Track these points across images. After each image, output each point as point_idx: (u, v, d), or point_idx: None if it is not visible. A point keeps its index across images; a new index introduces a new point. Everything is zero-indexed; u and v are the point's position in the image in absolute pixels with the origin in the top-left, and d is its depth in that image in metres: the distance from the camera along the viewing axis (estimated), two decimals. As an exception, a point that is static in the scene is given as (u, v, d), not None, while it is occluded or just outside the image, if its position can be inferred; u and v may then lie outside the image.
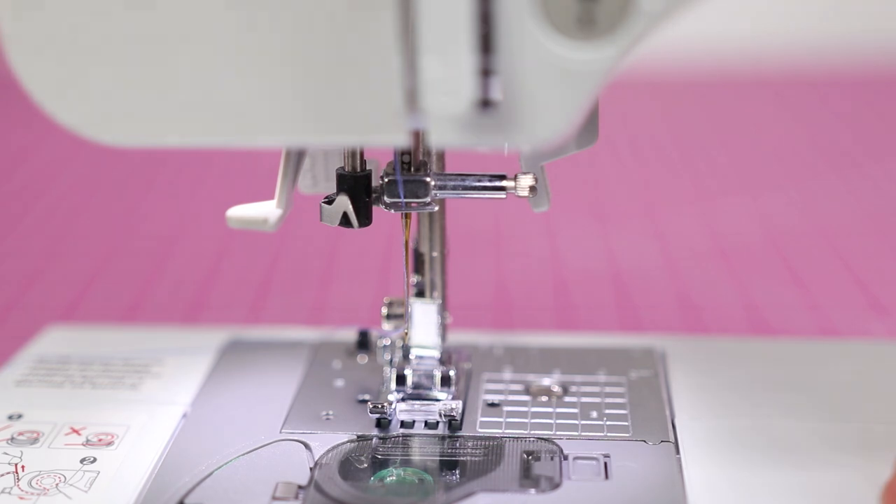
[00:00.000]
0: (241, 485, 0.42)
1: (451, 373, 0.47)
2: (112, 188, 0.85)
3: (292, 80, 0.36)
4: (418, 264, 0.47)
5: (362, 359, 0.52)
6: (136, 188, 0.84)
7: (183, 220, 0.79)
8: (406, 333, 0.47)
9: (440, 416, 0.46)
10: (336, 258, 0.71)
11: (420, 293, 0.47)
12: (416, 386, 0.47)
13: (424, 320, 0.47)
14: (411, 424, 0.46)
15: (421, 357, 0.47)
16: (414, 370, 0.47)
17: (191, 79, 0.37)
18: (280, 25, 0.36)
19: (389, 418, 0.46)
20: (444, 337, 0.48)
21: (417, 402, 0.46)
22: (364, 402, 0.48)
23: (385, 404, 0.45)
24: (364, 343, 0.51)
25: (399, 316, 0.48)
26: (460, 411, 0.46)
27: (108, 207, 0.81)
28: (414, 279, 0.47)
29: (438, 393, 0.46)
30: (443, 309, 0.47)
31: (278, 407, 0.48)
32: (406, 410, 0.46)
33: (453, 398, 0.46)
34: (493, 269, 0.70)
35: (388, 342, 0.48)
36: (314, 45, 0.36)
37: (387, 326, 0.48)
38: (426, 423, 0.46)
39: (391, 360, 0.48)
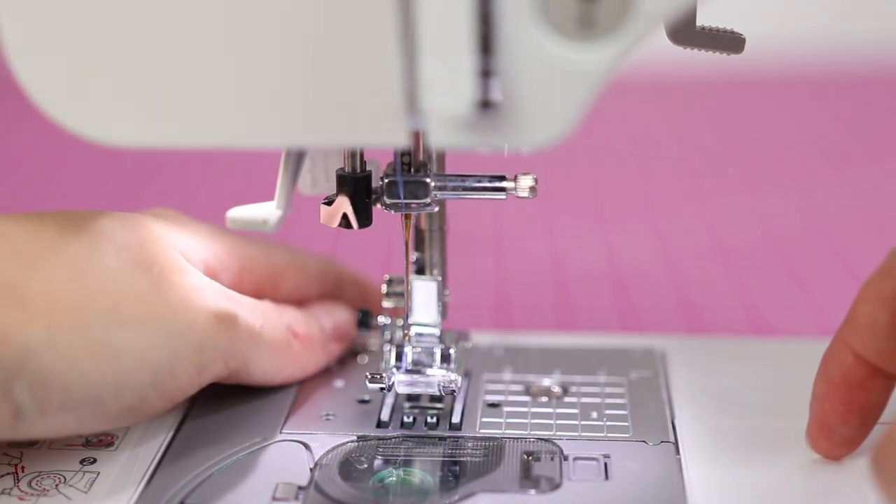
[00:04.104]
0: (241, 485, 0.42)
1: (452, 350, 0.47)
2: (112, 188, 0.85)
3: (292, 81, 0.36)
4: (419, 241, 0.47)
5: (362, 359, 0.52)
6: (136, 188, 0.84)
7: (183, 221, 0.79)
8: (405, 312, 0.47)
9: (439, 388, 0.46)
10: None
11: (420, 270, 0.47)
12: (415, 363, 0.47)
13: (425, 298, 0.47)
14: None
15: (421, 335, 0.47)
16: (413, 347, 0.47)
17: (191, 79, 0.37)
18: (280, 26, 0.36)
19: (389, 385, 0.46)
20: (444, 314, 0.48)
21: (417, 374, 0.46)
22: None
23: (384, 374, 0.45)
24: (364, 322, 0.51)
25: (399, 294, 0.48)
26: (459, 384, 0.46)
27: (108, 207, 0.81)
28: (414, 256, 0.47)
29: (437, 369, 0.46)
30: (443, 287, 0.47)
31: (278, 407, 0.48)
32: (405, 382, 0.46)
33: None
34: (493, 269, 0.70)
35: (388, 321, 0.48)
36: (314, 46, 0.36)
37: (387, 304, 0.48)
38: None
39: (391, 339, 0.48)
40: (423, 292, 0.47)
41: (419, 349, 0.47)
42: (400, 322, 0.48)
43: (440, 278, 0.47)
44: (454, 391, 0.46)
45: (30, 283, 0.39)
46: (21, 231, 0.41)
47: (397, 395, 0.48)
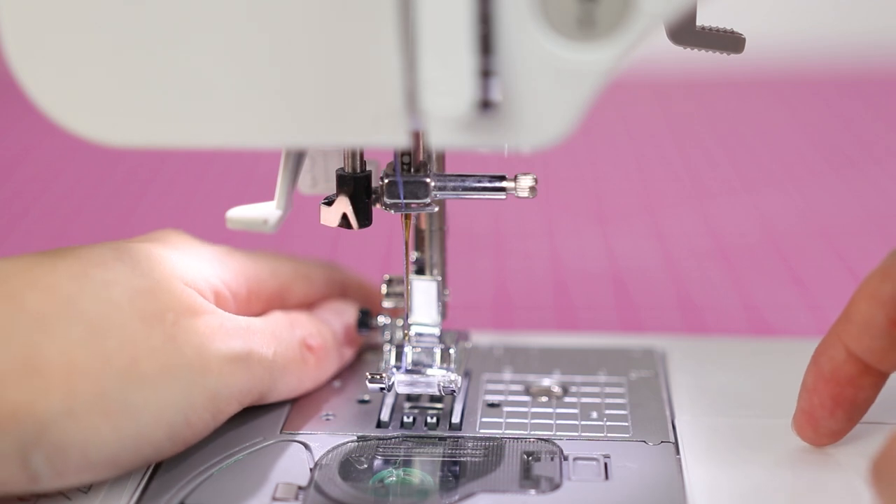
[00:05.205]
0: (241, 485, 0.42)
1: (451, 350, 0.47)
2: (112, 188, 0.85)
3: (292, 81, 0.36)
4: (419, 241, 0.47)
5: (363, 359, 0.52)
6: (136, 188, 0.84)
7: (183, 221, 0.79)
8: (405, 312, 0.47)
9: (439, 388, 0.46)
10: (336, 259, 0.71)
11: (420, 270, 0.47)
12: (415, 363, 0.47)
13: (425, 298, 0.47)
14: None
15: (421, 335, 0.47)
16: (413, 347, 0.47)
17: (190, 79, 0.37)
18: (280, 26, 0.36)
19: (389, 385, 0.46)
20: (444, 314, 0.48)
21: (417, 374, 0.46)
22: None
23: (384, 374, 0.45)
24: (364, 322, 0.51)
25: (399, 294, 0.48)
26: (459, 384, 0.46)
27: (108, 207, 0.81)
28: (414, 256, 0.47)
29: (437, 369, 0.46)
30: (443, 286, 0.47)
31: (278, 407, 0.48)
32: (405, 382, 0.46)
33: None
34: (493, 269, 0.70)
35: (388, 321, 0.48)
36: (314, 46, 0.36)
37: (387, 304, 0.48)
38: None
39: (391, 339, 0.48)
40: (423, 292, 0.47)
41: (419, 349, 0.47)
42: (400, 322, 0.48)
43: (440, 278, 0.47)
44: (454, 391, 0.46)
45: (46, 351, 0.39)
46: (33, 289, 0.40)
47: (397, 395, 0.48)
